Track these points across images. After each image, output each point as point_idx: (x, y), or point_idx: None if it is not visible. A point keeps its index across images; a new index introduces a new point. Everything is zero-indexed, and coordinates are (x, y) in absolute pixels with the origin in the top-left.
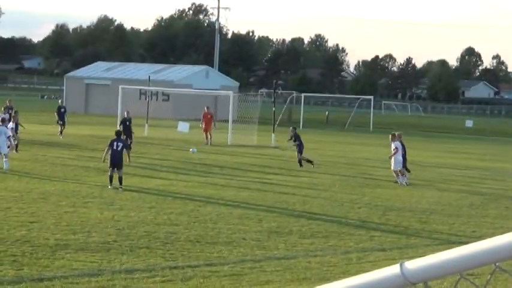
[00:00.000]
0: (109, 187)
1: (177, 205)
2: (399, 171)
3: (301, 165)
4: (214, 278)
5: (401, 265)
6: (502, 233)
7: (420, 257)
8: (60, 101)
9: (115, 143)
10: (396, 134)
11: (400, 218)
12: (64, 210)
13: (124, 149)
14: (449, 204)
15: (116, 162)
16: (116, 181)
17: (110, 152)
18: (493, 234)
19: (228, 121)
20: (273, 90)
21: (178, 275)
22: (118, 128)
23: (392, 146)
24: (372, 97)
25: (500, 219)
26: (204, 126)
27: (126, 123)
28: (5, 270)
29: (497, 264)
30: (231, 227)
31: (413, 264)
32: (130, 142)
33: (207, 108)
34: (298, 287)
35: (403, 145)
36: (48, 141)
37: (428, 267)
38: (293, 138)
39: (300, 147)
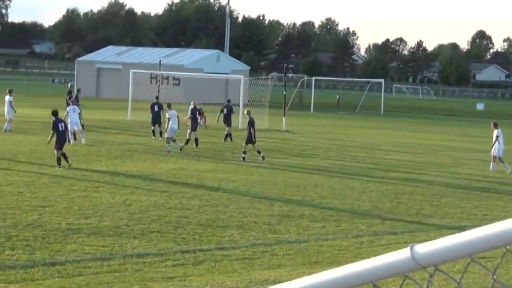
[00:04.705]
0: (58, 168)
1: (189, 189)
2: (170, 138)
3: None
4: (226, 262)
5: (411, 248)
6: None
7: (431, 240)
8: (69, 84)
9: (59, 125)
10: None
11: (411, 201)
12: (76, 194)
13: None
14: (461, 187)
15: (64, 141)
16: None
17: (55, 132)
18: (504, 218)
19: (238, 105)
20: (283, 74)
21: (189, 259)
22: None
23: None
24: (382, 80)
25: None
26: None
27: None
28: (17, 254)
29: (507, 247)
30: (243, 211)
31: (423, 248)
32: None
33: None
34: (309, 270)
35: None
36: None
37: (438, 250)
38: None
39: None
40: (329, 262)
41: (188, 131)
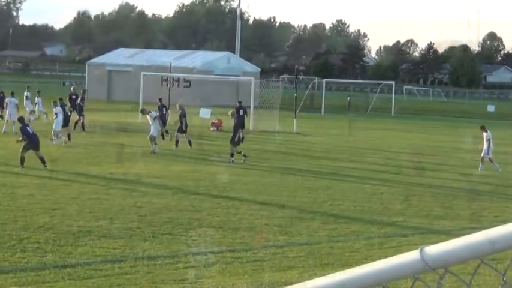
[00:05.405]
0: (21, 169)
1: (200, 191)
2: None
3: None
4: (237, 264)
5: (421, 250)
6: None
7: (442, 242)
8: (72, 87)
9: (27, 128)
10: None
11: (422, 203)
12: (87, 197)
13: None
14: (472, 189)
15: (37, 143)
16: (37, 161)
17: (27, 137)
18: None
19: (249, 107)
20: (294, 76)
21: (201, 261)
22: (21, 115)
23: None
24: (393, 82)
25: None
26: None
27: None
28: (28, 257)
29: None
30: (254, 213)
31: (433, 250)
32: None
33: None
34: (320, 272)
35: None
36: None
37: (448, 252)
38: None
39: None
40: (340, 264)
41: (184, 134)
